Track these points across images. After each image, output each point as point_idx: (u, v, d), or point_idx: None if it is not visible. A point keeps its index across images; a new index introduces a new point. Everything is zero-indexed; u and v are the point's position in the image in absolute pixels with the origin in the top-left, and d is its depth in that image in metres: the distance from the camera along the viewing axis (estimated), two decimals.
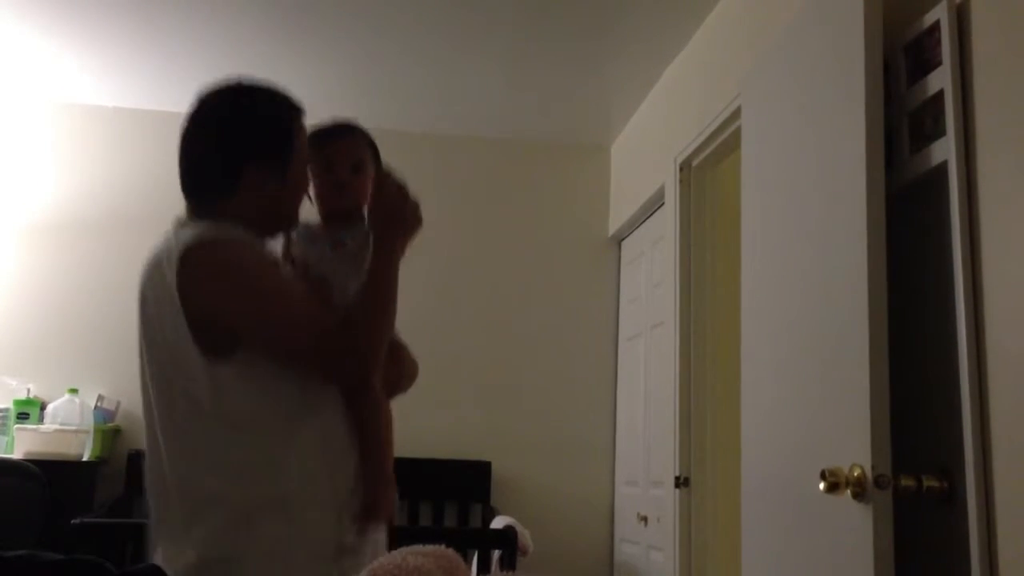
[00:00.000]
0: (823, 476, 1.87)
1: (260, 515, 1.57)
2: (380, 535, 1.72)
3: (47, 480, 3.68)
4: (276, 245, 1.81)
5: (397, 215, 1.71)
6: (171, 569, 1.55)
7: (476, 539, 3.65)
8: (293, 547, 1.58)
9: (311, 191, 1.82)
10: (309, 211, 1.83)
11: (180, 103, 5.06)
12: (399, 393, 1.84)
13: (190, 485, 1.60)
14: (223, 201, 1.67)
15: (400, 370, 1.82)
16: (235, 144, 1.67)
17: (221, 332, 1.57)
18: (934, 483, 1.85)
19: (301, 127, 1.74)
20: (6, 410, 4.12)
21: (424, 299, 4.34)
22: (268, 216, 1.71)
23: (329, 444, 1.65)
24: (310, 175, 1.80)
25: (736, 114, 3.03)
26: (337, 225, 1.81)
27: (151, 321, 1.64)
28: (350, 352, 1.60)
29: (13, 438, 3.98)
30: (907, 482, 1.84)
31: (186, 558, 1.57)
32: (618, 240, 4.85)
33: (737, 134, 3.07)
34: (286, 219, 1.76)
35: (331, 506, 1.63)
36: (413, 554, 1.42)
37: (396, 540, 1.66)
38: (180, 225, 1.68)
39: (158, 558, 1.63)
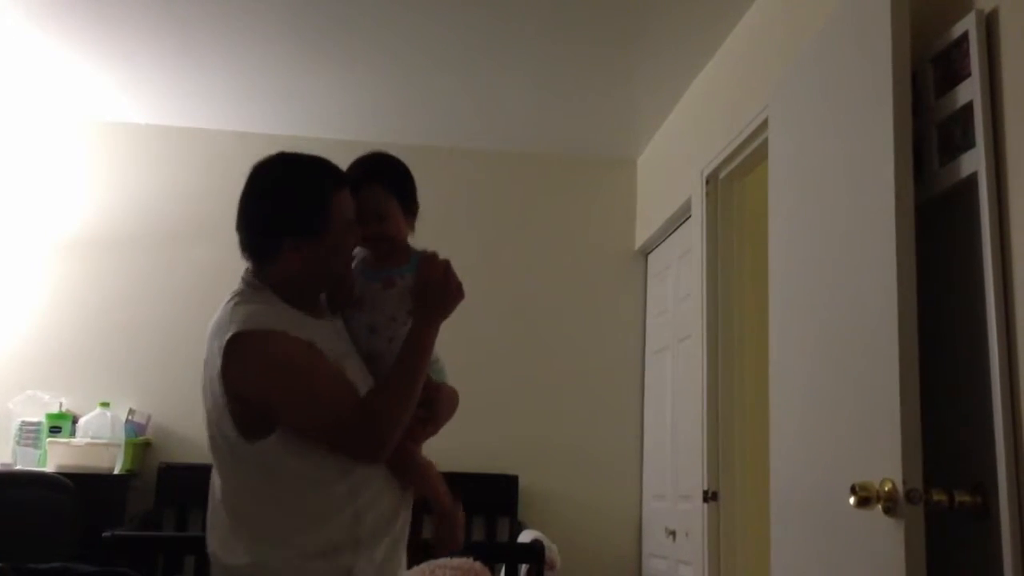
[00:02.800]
0: (853, 491, 1.85)
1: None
2: None
3: (79, 493, 3.72)
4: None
5: (438, 299, 1.83)
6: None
7: (503, 553, 3.65)
8: None
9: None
10: None
11: (212, 120, 5.13)
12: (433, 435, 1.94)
13: (229, 531, 1.74)
14: (269, 264, 1.80)
15: (436, 428, 1.92)
16: (273, 217, 1.79)
17: (257, 418, 1.70)
18: (966, 498, 1.82)
19: (339, 196, 1.82)
20: (39, 424, 4.17)
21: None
22: (314, 276, 1.82)
23: (365, 504, 1.74)
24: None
25: (763, 127, 3.02)
26: (389, 262, 1.89)
27: (204, 382, 1.77)
28: (366, 441, 1.72)
29: (46, 451, 4.03)
30: (939, 497, 1.82)
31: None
32: (645, 253, 4.84)
33: (764, 147, 3.06)
34: (333, 275, 1.86)
35: (372, 564, 1.73)
36: (441, 567, 1.43)
37: (424, 554, 1.67)
38: (244, 284, 1.82)
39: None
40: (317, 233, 1.78)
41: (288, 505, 1.71)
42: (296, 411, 1.71)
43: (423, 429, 1.87)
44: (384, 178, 1.92)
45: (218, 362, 1.70)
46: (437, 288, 1.83)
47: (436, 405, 1.90)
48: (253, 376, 1.70)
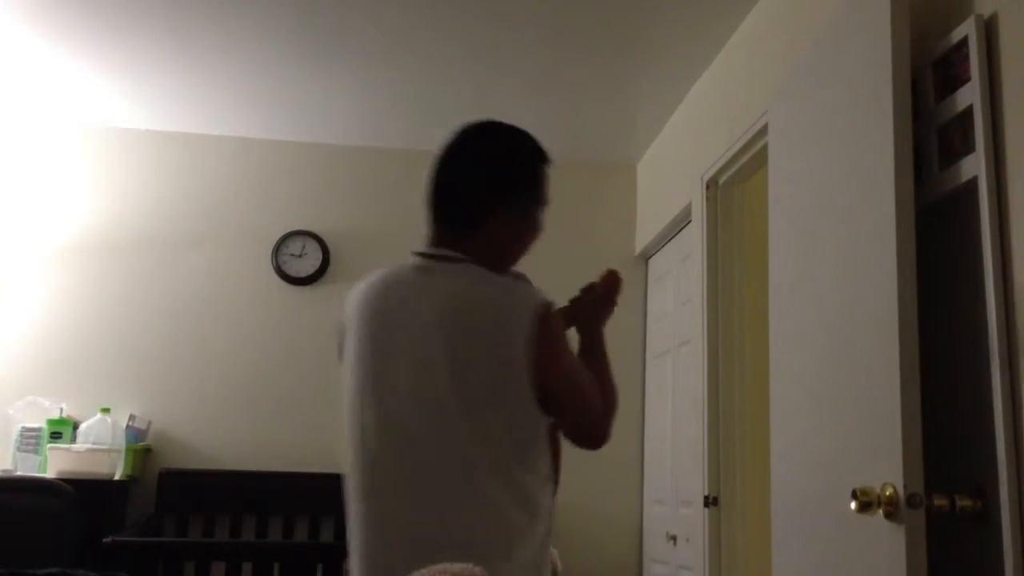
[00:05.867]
0: (854, 495, 1.85)
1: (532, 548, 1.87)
2: None
3: (80, 499, 3.72)
4: None
5: (610, 310, 2.00)
6: None
7: None
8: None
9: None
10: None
11: (212, 126, 5.11)
12: None
13: (485, 515, 1.75)
14: (469, 233, 1.76)
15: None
16: (493, 183, 1.77)
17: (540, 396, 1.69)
18: (967, 502, 1.82)
19: (545, 173, 1.85)
20: (39, 429, 4.16)
21: None
22: (505, 255, 1.81)
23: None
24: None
25: (763, 131, 3.02)
26: None
27: (456, 350, 1.67)
28: (604, 431, 1.85)
29: (46, 457, 4.03)
30: (940, 501, 1.82)
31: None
32: (645, 258, 4.84)
33: (764, 151, 3.06)
34: (514, 262, 1.86)
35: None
36: (442, 571, 1.42)
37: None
38: (433, 249, 1.76)
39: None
40: (527, 207, 1.80)
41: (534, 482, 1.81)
42: (571, 393, 1.75)
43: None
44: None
45: (528, 329, 1.65)
46: (613, 302, 1.99)
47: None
48: (555, 352, 1.70)
